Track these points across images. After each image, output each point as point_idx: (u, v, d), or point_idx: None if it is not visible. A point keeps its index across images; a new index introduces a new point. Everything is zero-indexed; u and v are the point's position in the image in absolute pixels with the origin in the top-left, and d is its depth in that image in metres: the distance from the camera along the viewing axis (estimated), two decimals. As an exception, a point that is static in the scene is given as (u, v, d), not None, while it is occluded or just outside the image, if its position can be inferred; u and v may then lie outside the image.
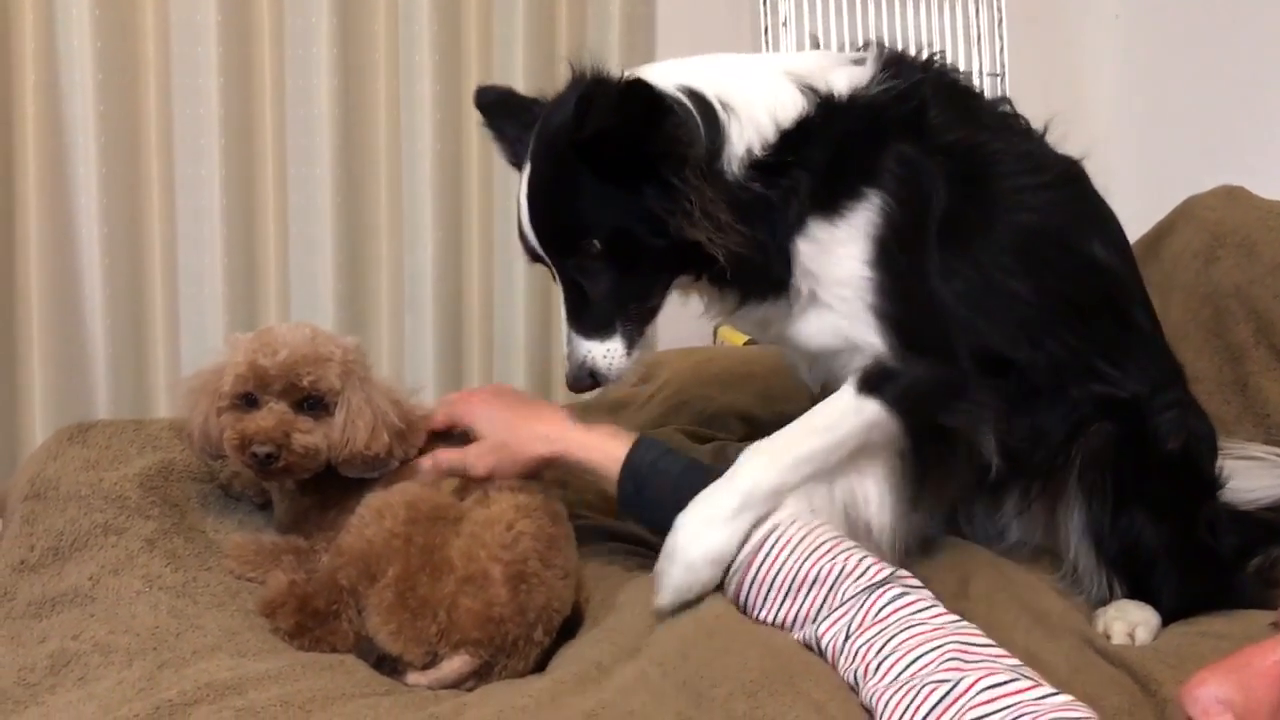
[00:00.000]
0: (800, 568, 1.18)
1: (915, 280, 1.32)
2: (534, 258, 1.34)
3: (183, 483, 1.45)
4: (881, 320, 1.29)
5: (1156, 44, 2.60)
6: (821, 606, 1.16)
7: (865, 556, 1.18)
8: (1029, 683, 0.98)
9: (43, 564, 1.29)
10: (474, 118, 2.26)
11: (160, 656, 1.15)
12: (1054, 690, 0.98)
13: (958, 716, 0.96)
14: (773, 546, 1.21)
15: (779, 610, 1.19)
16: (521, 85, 2.20)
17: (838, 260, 1.29)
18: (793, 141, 1.28)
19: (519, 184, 1.31)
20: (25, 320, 2.01)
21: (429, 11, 2.23)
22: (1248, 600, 1.45)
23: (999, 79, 2.56)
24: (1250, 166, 2.18)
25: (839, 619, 1.13)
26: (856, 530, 1.33)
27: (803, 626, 1.17)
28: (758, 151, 1.27)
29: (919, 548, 1.43)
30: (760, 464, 1.26)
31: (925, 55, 1.42)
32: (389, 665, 1.20)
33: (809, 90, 1.30)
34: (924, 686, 1.00)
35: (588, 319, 1.30)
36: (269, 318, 2.16)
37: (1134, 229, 2.08)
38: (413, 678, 1.18)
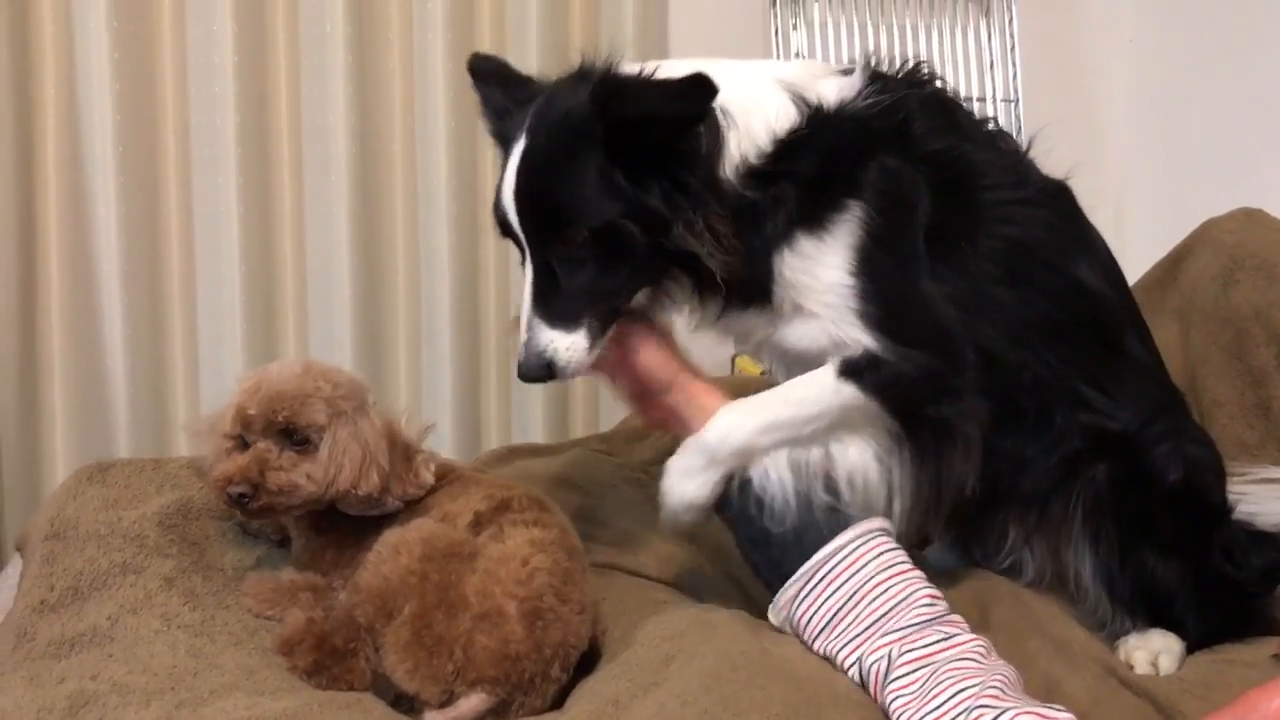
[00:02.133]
0: (865, 584, 1.22)
1: (902, 282, 1.31)
2: (506, 233, 1.30)
3: (201, 521, 1.45)
4: (867, 321, 1.29)
5: (1171, 68, 2.60)
6: (873, 626, 1.19)
7: (926, 588, 1.22)
8: None
9: (62, 604, 1.30)
10: (490, 147, 2.29)
11: (178, 696, 1.15)
12: None
13: None
14: (845, 559, 1.24)
15: (831, 621, 1.22)
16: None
17: (822, 270, 1.29)
18: (785, 152, 1.27)
19: (507, 155, 1.28)
20: (46, 360, 2.04)
21: (442, 35, 2.24)
22: (1274, 625, 1.43)
23: (1013, 104, 2.56)
24: (1268, 188, 2.16)
25: (889, 643, 1.17)
26: (837, 491, 1.33)
27: (849, 643, 1.20)
28: (753, 160, 1.26)
29: (943, 579, 1.41)
30: (729, 423, 1.29)
31: (911, 67, 1.41)
32: (406, 704, 1.20)
33: (800, 100, 1.30)
34: (974, 709, 1.05)
35: (555, 308, 1.26)
36: (288, 353, 2.18)
37: (1152, 253, 2.08)
38: (430, 716, 1.18)
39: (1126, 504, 1.40)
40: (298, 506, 1.33)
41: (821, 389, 1.30)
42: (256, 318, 2.19)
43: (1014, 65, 2.57)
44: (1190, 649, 1.40)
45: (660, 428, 1.45)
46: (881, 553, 1.24)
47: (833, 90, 1.32)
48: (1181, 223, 2.06)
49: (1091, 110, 2.67)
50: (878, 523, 1.28)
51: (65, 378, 2.04)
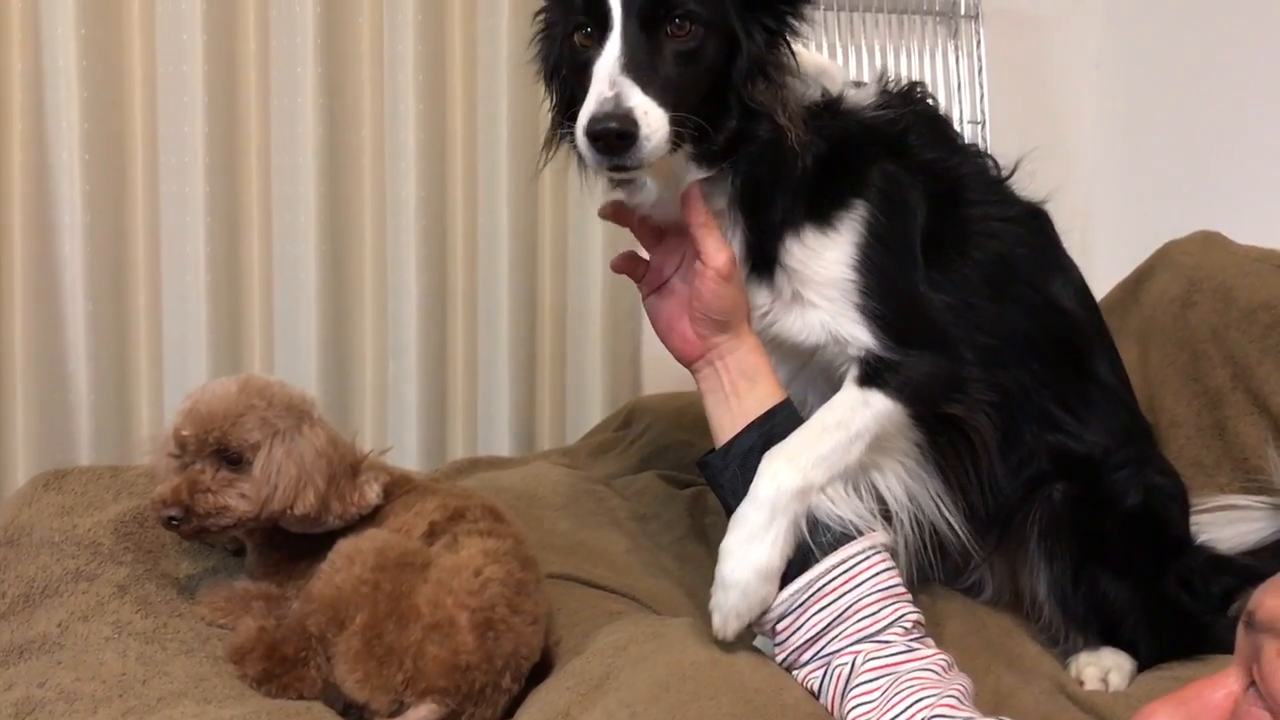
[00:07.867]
0: (857, 602, 1.20)
1: (902, 282, 1.32)
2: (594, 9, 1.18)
3: (157, 529, 1.44)
4: (868, 318, 1.29)
5: (1136, 92, 2.63)
6: (856, 645, 1.19)
7: (912, 613, 1.21)
8: None
9: (13, 611, 1.29)
10: (460, 163, 2.30)
11: (125, 703, 1.14)
12: None
13: None
14: (840, 576, 1.22)
15: (817, 635, 1.21)
16: (506, 113, 2.24)
17: (825, 264, 1.29)
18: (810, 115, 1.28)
19: None
20: (8, 366, 2.02)
21: (413, 47, 2.24)
22: (1226, 646, 1.44)
23: (980, 126, 2.58)
24: (1228, 212, 2.19)
25: (857, 651, 1.18)
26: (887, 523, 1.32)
27: (828, 656, 1.20)
28: None
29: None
30: (778, 468, 1.24)
31: (907, 86, 1.45)
32: (356, 713, 1.19)
33: (822, 88, 1.32)
34: (931, 718, 1.07)
35: (648, 76, 1.13)
36: (253, 363, 2.17)
37: (1114, 274, 2.10)
38: (378, 726, 1.18)
39: (1082, 523, 1.41)
40: (233, 527, 1.32)
41: (852, 405, 1.28)
42: (222, 329, 2.18)
43: (981, 88, 2.59)
44: (1141, 668, 1.41)
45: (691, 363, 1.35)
46: (878, 571, 1.22)
47: (849, 96, 1.35)
48: (1146, 244, 2.08)
49: (1058, 133, 2.70)
50: (876, 539, 1.26)
51: (27, 387, 2.02)
